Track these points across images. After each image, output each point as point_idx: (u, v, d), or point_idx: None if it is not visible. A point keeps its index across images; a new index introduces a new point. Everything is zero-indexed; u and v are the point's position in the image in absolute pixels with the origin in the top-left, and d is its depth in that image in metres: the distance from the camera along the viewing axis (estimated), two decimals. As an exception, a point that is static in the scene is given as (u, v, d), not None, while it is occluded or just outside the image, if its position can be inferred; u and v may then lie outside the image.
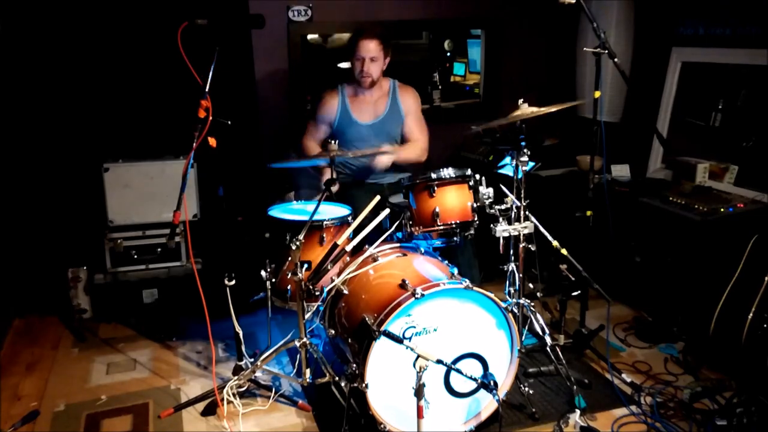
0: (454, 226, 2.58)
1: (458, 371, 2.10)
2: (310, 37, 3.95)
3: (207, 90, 2.33)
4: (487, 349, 2.32)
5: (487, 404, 2.40)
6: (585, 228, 2.83)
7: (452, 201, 2.58)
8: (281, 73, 3.84)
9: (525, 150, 2.59)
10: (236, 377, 2.64)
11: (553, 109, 2.55)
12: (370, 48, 3.07)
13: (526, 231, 2.62)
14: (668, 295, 3.11)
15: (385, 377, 2.21)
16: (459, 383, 2.31)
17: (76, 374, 2.92)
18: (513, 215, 2.62)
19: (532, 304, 2.74)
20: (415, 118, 3.29)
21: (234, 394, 2.61)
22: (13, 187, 3.49)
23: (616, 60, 2.66)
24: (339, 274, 2.50)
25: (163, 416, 2.57)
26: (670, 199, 3.14)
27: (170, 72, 3.21)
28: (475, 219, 2.61)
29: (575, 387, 2.53)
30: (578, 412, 2.41)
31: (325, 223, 2.60)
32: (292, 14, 3.75)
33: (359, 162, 3.21)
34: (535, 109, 2.57)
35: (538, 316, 2.71)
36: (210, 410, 2.59)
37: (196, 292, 2.42)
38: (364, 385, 2.15)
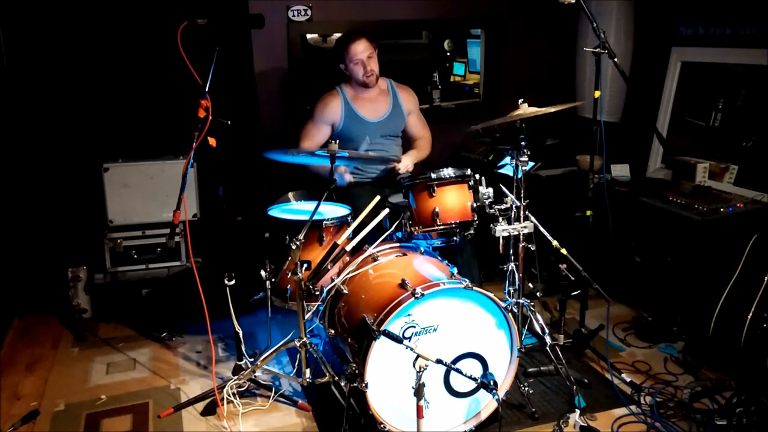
0: (453, 225, 2.58)
1: (458, 371, 2.10)
2: (309, 36, 3.95)
3: (207, 90, 2.33)
4: (486, 348, 2.32)
5: (486, 404, 2.40)
6: (585, 228, 2.83)
7: (452, 201, 2.58)
8: (281, 73, 3.84)
9: (525, 150, 2.59)
10: (236, 377, 2.64)
11: (552, 109, 2.55)
12: (363, 48, 3.11)
13: (525, 231, 2.62)
14: (668, 295, 3.11)
15: (385, 377, 2.21)
16: (459, 383, 2.31)
17: (76, 374, 2.92)
18: (513, 215, 2.62)
19: (532, 303, 2.74)
20: (417, 116, 3.43)
21: (234, 394, 2.61)
22: (14, 187, 3.49)
23: (616, 60, 2.66)
24: (339, 274, 2.50)
25: (162, 416, 2.57)
26: (670, 198, 3.14)
27: (170, 72, 3.21)
28: (475, 219, 2.61)
29: (575, 387, 2.53)
30: (578, 411, 2.41)
31: (324, 222, 2.61)
32: (291, 14, 3.75)
33: (371, 165, 3.23)
34: (534, 109, 2.57)
35: (538, 315, 2.71)
36: (210, 410, 2.59)
37: (196, 292, 2.42)
38: (363, 384, 2.15)
